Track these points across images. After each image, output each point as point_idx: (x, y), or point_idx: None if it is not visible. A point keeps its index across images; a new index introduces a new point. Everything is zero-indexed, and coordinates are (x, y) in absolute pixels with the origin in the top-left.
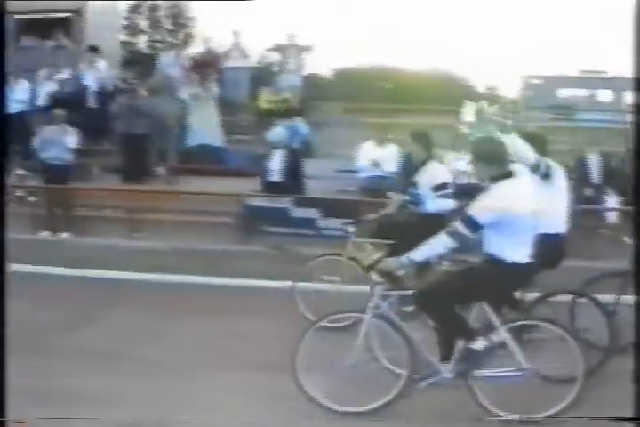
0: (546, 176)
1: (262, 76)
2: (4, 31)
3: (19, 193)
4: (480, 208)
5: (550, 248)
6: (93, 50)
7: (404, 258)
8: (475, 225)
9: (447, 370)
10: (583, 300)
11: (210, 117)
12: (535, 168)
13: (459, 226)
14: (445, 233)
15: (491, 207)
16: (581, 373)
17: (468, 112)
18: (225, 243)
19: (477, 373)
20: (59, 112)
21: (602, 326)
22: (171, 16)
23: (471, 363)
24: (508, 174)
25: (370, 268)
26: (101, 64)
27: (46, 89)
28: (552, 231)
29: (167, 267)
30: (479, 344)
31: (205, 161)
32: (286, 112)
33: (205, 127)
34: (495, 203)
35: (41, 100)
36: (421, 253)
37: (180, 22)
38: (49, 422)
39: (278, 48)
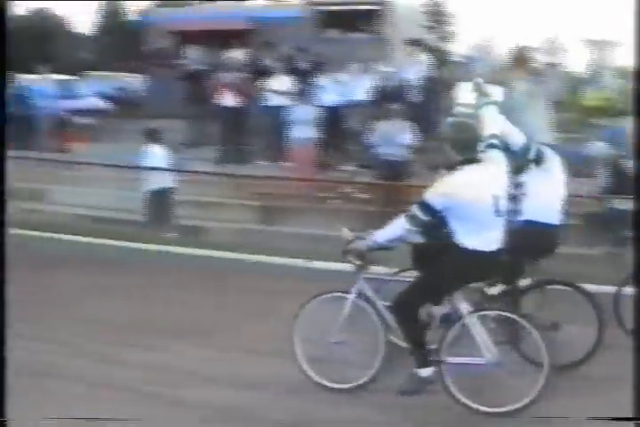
0: (537, 162)
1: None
2: (4, 31)
3: (347, 189)
4: (434, 192)
5: (540, 237)
6: (414, 43)
7: (368, 240)
8: (429, 209)
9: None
10: (570, 289)
11: (541, 114)
12: (524, 152)
13: (414, 209)
14: (404, 216)
15: (444, 192)
16: (546, 366)
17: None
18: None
19: (446, 360)
20: (394, 107)
21: (590, 318)
22: (429, 13)
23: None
24: (472, 160)
25: (346, 252)
26: (423, 58)
27: (363, 83)
28: (542, 219)
29: None
30: (425, 372)
31: None
32: (612, 111)
33: (536, 124)
34: (449, 188)
35: (360, 94)
36: (382, 234)
37: (439, 19)
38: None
39: (592, 44)
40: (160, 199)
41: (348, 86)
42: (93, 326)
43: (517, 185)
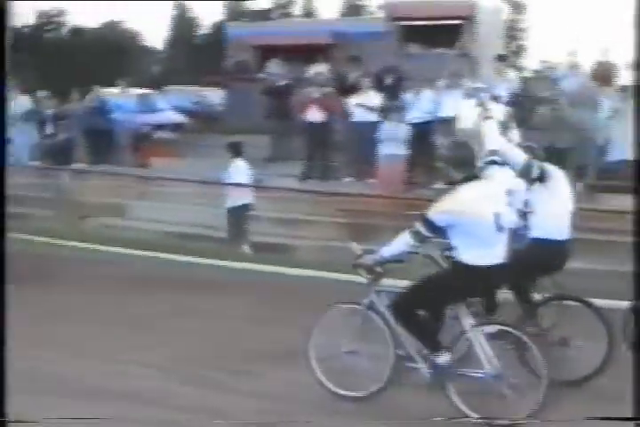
0: (540, 180)
1: None
2: (4, 31)
3: None
4: (436, 209)
5: (547, 253)
6: (502, 58)
7: (376, 255)
8: (432, 226)
9: (425, 371)
10: (579, 305)
11: (628, 131)
12: (525, 172)
13: (417, 226)
14: (407, 232)
15: (446, 209)
16: (544, 381)
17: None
18: None
19: (449, 372)
20: None
21: (601, 334)
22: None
23: (438, 372)
24: (472, 177)
25: (355, 265)
26: (511, 74)
27: (451, 99)
28: (549, 236)
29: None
30: (443, 358)
31: (625, 177)
32: None
33: (625, 141)
34: (451, 205)
35: (448, 111)
36: (387, 249)
37: (511, 34)
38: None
39: None
40: (240, 215)
41: (435, 103)
42: (195, 351)
43: (522, 202)
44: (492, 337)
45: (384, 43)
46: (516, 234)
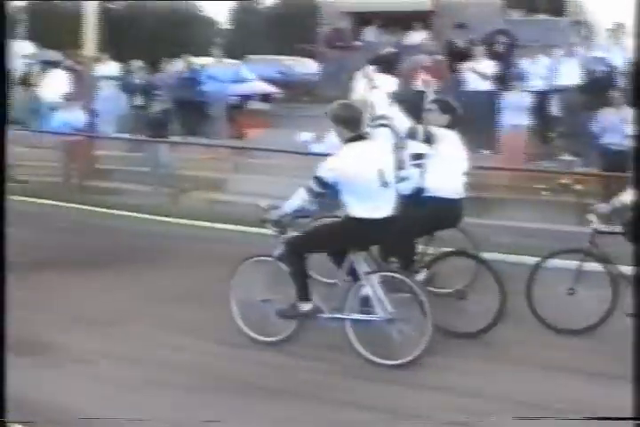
0: (427, 142)
1: None
2: (4, 31)
3: (563, 181)
4: (325, 167)
5: (437, 209)
6: (619, 27)
7: (280, 210)
8: (321, 182)
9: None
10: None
11: None
12: (411, 135)
13: (310, 182)
14: (302, 188)
15: (333, 166)
16: (429, 326)
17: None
18: None
19: (349, 316)
20: (617, 94)
21: (492, 288)
22: None
23: (299, 317)
24: (358, 137)
25: (263, 221)
26: (626, 42)
27: (569, 67)
28: (438, 193)
29: None
30: (305, 306)
31: None
32: None
33: None
34: (338, 162)
35: (566, 80)
36: (287, 205)
37: None
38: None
39: None
40: None
41: (552, 70)
42: None
43: (405, 161)
44: (384, 283)
45: (487, 9)
46: (411, 191)
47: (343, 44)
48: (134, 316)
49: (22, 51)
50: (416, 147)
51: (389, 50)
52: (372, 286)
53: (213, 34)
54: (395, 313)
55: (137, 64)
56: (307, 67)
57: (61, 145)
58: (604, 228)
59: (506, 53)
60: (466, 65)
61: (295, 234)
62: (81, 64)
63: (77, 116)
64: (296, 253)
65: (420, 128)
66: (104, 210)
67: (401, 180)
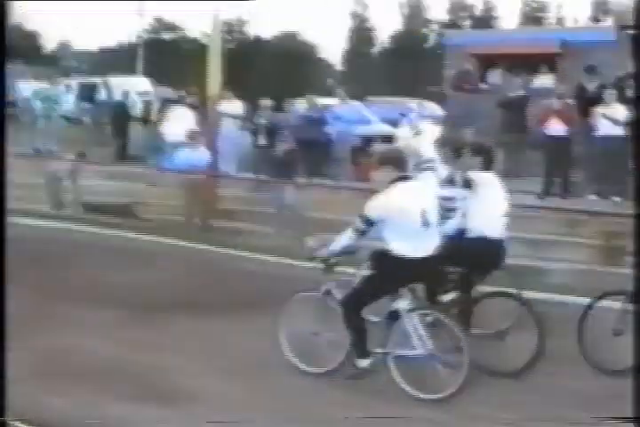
0: (465, 186)
1: None
2: (4, 31)
3: None
4: (371, 206)
5: (481, 250)
6: None
7: (327, 249)
8: (367, 221)
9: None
10: (513, 301)
11: None
12: (449, 180)
13: (357, 221)
14: (349, 228)
15: (379, 205)
16: (466, 362)
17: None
18: None
19: (392, 351)
20: None
21: (531, 328)
22: None
23: (357, 374)
24: (402, 178)
25: (312, 258)
26: None
27: None
28: (478, 235)
29: None
30: (363, 363)
31: None
32: None
33: None
34: (383, 201)
35: None
36: (335, 244)
37: None
38: None
39: None
40: None
41: None
42: None
43: (448, 204)
44: (425, 321)
45: (615, 52)
46: (451, 234)
47: (470, 87)
48: (275, 364)
49: (140, 87)
50: (455, 192)
51: (519, 93)
52: (412, 323)
53: (331, 74)
54: (434, 349)
55: (265, 103)
56: (429, 109)
57: (184, 184)
58: None
59: (637, 98)
60: (596, 110)
61: (346, 294)
62: (204, 102)
63: (200, 155)
64: (352, 312)
65: (458, 173)
66: (230, 251)
67: (442, 222)
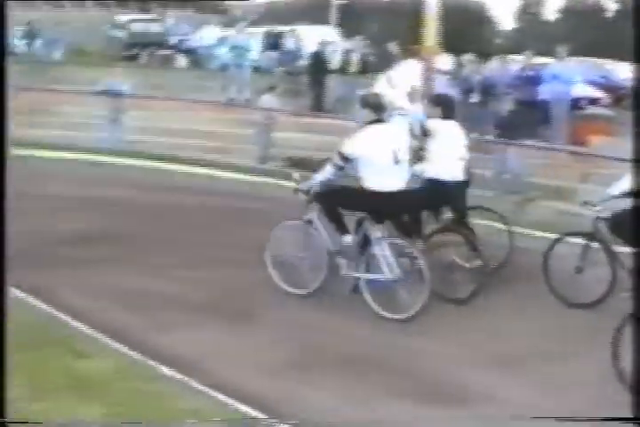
0: (423, 134)
1: None
2: (4, 31)
3: None
4: (347, 144)
5: (435, 190)
6: None
7: (310, 182)
8: (344, 158)
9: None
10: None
11: None
12: (410, 130)
13: (334, 158)
14: (328, 163)
15: (355, 144)
16: (427, 284)
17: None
18: None
19: (363, 275)
20: None
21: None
22: None
23: (345, 252)
24: (376, 121)
25: (295, 190)
26: None
27: None
28: (436, 177)
29: None
30: (347, 238)
31: None
32: None
33: None
34: (359, 140)
35: None
36: (317, 177)
37: None
38: None
39: None
40: None
41: None
42: None
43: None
44: (392, 249)
45: None
46: (414, 175)
47: None
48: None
49: (328, 37)
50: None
51: None
52: (382, 250)
53: (505, 33)
54: (400, 274)
55: (468, 58)
56: (624, 72)
57: None
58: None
59: None
60: None
61: (324, 190)
62: (422, 57)
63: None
64: (327, 202)
65: (417, 123)
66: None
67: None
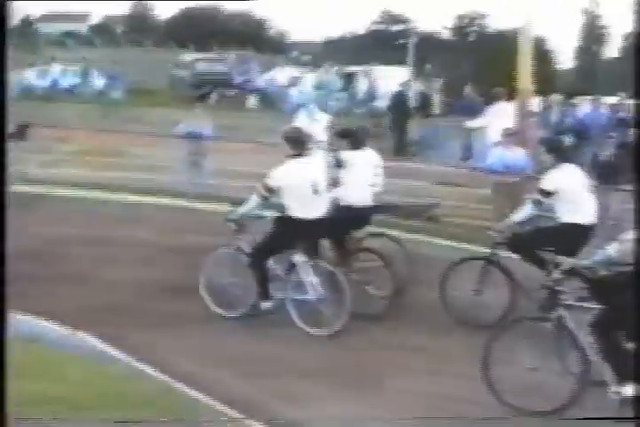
0: (338, 165)
1: None
2: (4, 31)
3: None
4: (271, 176)
5: (347, 215)
6: None
7: (236, 211)
8: (267, 188)
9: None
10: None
11: None
12: (327, 161)
13: (260, 189)
14: (254, 194)
15: (278, 176)
16: (347, 304)
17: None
18: None
19: (289, 295)
20: None
21: (385, 278)
22: None
23: (265, 313)
24: (298, 154)
25: (227, 219)
26: None
27: None
28: (348, 203)
29: None
30: (266, 304)
31: None
32: None
33: None
34: (282, 172)
35: None
36: (243, 208)
37: None
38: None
39: None
40: None
41: None
42: None
43: (332, 177)
44: (315, 271)
45: None
46: (331, 201)
47: None
48: None
49: (400, 78)
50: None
51: None
52: (306, 273)
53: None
54: (323, 294)
55: (556, 99)
56: None
57: (496, 186)
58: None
59: None
60: None
61: (253, 246)
62: (516, 98)
63: (516, 155)
64: (257, 261)
65: (330, 155)
66: None
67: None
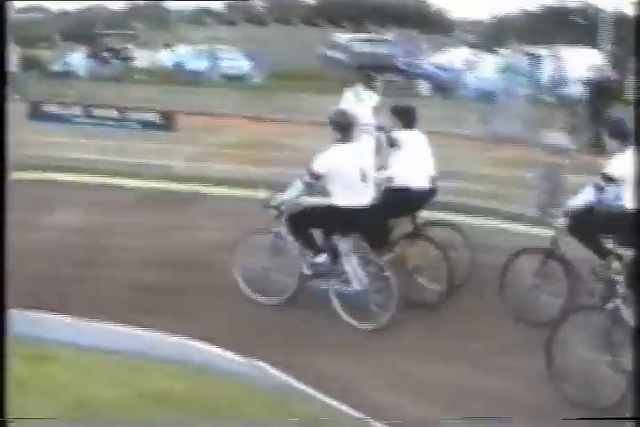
0: (392, 146)
1: None
2: (4, 30)
3: None
4: (317, 162)
5: (401, 198)
6: None
7: (278, 198)
8: (313, 175)
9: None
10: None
11: None
12: (379, 142)
13: (304, 175)
14: (298, 180)
15: (324, 162)
16: (395, 299)
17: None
18: None
19: (333, 286)
20: None
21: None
22: None
23: (317, 270)
24: (345, 140)
25: (265, 204)
26: None
27: None
28: (403, 185)
29: None
30: (320, 258)
31: None
32: None
33: None
34: (328, 159)
35: None
36: (287, 194)
37: None
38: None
39: None
40: None
41: None
42: None
43: (382, 161)
44: (360, 261)
45: None
46: (380, 185)
47: None
48: None
49: (591, 60)
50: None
51: None
52: (350, 264)
53: None
54: (368, 285)
55: None
56: None
57: None
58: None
59: None
60: None
61: (295, 210)
62: None
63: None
64: (296, 223)
65: (383, 136)
66: None
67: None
